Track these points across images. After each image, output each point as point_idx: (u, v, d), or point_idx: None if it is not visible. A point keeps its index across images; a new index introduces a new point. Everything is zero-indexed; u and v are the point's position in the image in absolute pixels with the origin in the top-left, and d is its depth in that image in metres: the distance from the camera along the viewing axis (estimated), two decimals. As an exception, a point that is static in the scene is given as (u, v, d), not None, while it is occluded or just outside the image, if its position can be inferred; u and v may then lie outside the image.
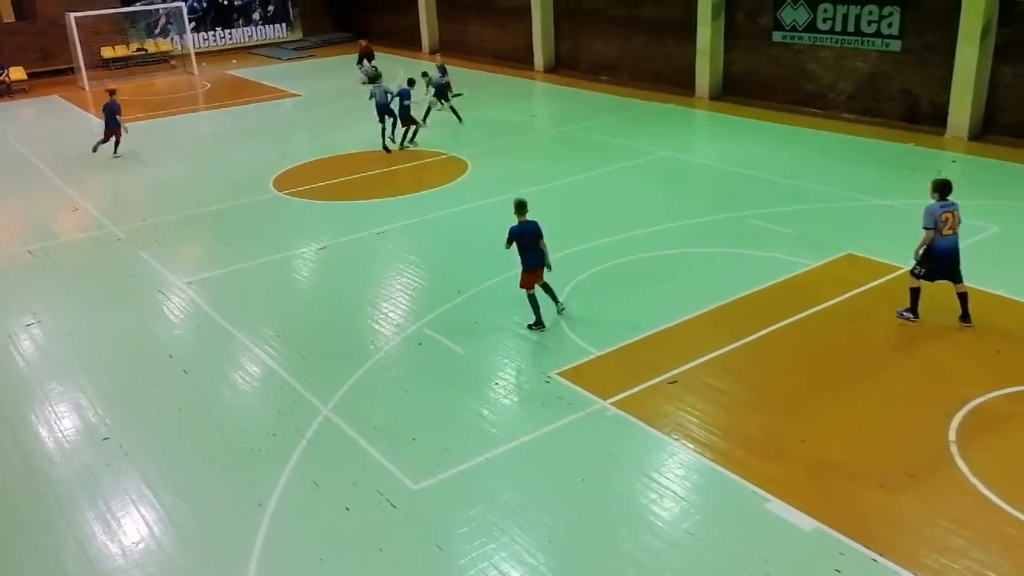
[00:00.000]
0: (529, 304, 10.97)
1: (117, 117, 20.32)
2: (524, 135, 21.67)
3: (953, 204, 10.21)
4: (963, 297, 10.54)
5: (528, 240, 10.79)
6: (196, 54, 33.47)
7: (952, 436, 8.49)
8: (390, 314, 11.97)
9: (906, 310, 10.79)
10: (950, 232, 10.30)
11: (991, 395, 9.14)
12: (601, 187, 17.12)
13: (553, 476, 8.33)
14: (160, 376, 10.59)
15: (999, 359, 9.90)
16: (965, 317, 10.60)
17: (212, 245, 15.18)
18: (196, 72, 32.64)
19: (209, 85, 30.88)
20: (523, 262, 10.86)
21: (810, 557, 7.09)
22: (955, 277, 10.43)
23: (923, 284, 10.59)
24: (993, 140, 18.66)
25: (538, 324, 10.98)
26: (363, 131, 21.56)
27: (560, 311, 11.35)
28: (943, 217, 10.13)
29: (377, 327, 11.61)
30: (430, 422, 9.30)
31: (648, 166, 18.35)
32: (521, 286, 10.95)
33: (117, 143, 20.66)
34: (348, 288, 13.03)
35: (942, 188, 10.34)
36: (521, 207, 10.87)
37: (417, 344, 11.04)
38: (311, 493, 8.24)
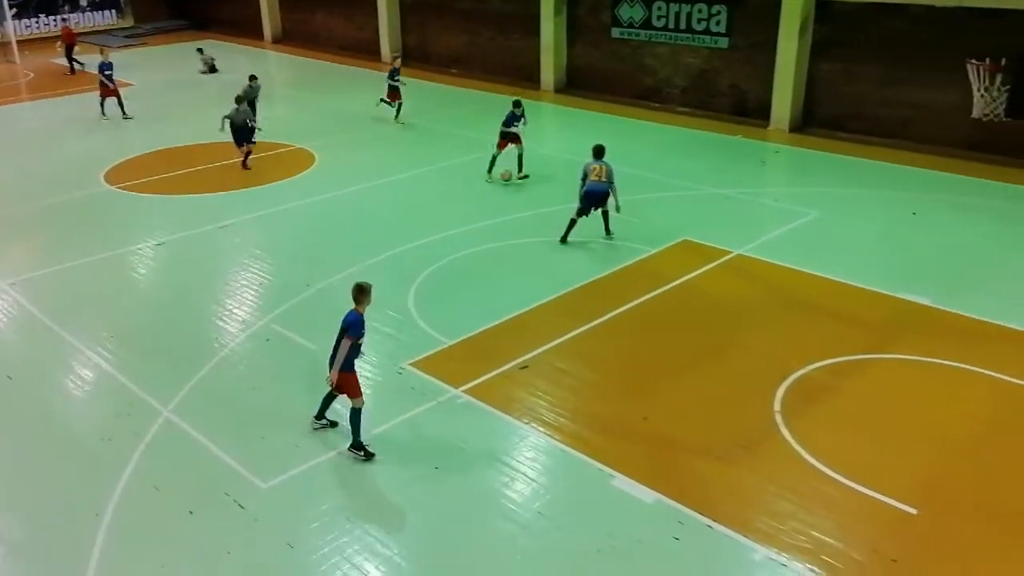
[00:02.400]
0: None
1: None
2: (371, 127, 21.41)
3: (601, 161, 13.36)
4: (605, 215, 13.67)
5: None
6: (18, 42, 31.01)
7: (777, 407, 9.15)
8: (235, 311, 11.55)
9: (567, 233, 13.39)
10: (596, 179, 13.21)
11: (810, 367, 9.90)
12: (448, 179, 17.18)
13: (406, 466, 8.33)
14: (-23, 385, 9.76)
15: (817, 334, 10.73)
16: (607, 231, 13.72)
17: (38, 243, 14.11)
18: (18, 61, 30.31)
19: (32, 75, 28.66)
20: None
21: (651, 527, 7.46)
22: (603, 206, 13.53)
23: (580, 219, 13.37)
24: (811, 132, 20.15)
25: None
26: (201, 122, 20.60)
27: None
28: (592, 168, 13.26)
29: (222, 324, 11.18)
30: (279, 419, 9.07)
31: (497, 159, 18.55)
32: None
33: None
34: (190, 285, 12.46)
35: (596, 151, 13.55)
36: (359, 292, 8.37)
37: (264, 340, 10.73)
38: (151, 498, 7.86)
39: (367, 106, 22.30)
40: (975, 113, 17.39)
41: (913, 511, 7.58)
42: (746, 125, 20.71)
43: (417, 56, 28.88)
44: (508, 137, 16.72)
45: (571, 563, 7.12)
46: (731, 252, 13.18)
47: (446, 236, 13.84)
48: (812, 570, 6.96)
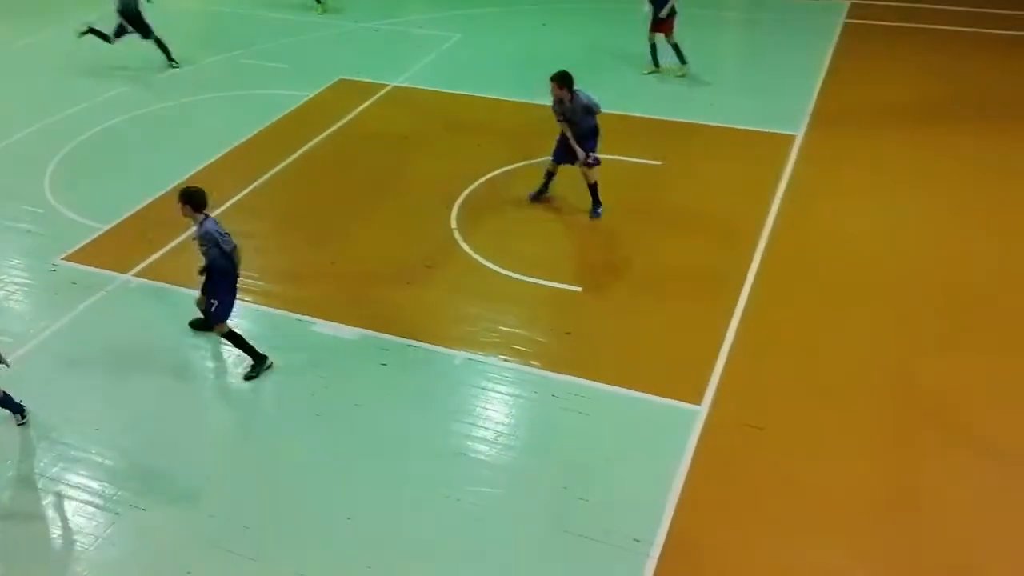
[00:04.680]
0: None
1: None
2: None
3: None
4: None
5: None
6: None
7: (454, 224, 9.66)
8: None
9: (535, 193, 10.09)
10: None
11: (477, 183, 10.48)
12: (56, 48, 14.92)
13: (87, 364, 7.71)
14: None
15: (477, 151, 11.27)
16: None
17: None
18: None
19: None
20: None
21: (359, 359, 7.74)
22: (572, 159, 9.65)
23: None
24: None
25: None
26: None
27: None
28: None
29: None
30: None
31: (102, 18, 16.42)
32: None
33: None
34: None
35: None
36: None
37: None
38: None
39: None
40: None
41: (579, 289, 8.60)
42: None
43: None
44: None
45: (290, 406, 7.23)
46: (388, 85, 13.18)
47: (73, 112, 12.23)
48: (505, 359, 7.72)
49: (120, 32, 13.58)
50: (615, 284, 8.77)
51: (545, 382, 7.46)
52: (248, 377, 7.48)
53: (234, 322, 8.21)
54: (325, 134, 11.73)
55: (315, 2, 16.47)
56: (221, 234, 7.15)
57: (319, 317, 8.23)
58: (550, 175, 9.94)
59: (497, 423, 7.07)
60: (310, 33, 15.46)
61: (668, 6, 12.74)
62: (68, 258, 9.08)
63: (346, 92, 13.02)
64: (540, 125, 11.84)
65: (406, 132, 11.84)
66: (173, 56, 13.89)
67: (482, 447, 6.80)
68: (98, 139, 11.60)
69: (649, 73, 13.37)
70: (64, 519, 6.26)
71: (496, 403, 7.29)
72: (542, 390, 7.39)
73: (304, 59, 14.24)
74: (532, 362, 7.68)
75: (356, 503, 6.32)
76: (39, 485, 6.51)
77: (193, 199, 7.11)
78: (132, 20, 13.55)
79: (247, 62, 14.14)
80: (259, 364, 7.53)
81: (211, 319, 7.47)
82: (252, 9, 16.70)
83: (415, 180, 10.68)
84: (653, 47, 13.23)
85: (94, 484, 6.51)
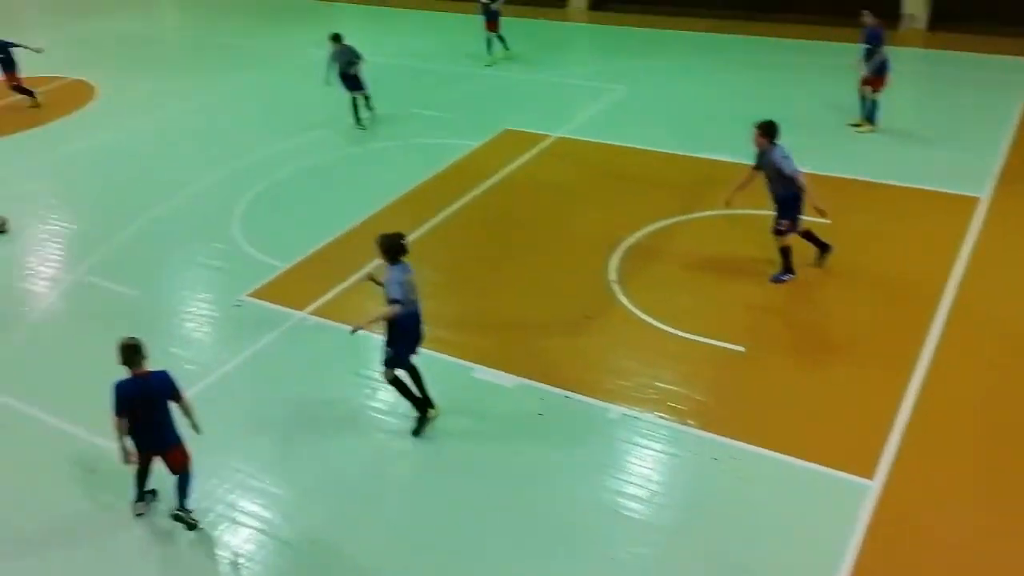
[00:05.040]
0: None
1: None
2: (153, 47, 19.76)
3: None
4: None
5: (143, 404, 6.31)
6: None
7: (613, 276, 9.65)
8: (39, 268, 10.64)
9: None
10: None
11: (638, 234, 10.46)
12: (242, 100, 16.24)
13: (264, 396, 8.18)
14: None
15: (639, 203, 11.28)
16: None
17: None
18: None
19: None
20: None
21: (516, 408, 7.82)
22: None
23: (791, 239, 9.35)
24: (608, 8, 20.52)
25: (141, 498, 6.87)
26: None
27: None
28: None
29: (26, 285, 10.28)
30: (115, 374, 8.56)
31: (303, 69, 17.71)
32: None
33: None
34: (-20, 248, 11.30)
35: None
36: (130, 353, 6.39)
37: (81, 294, 9.99)
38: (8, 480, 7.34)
39: (143, 26, 20.47)
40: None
41: (742, 349, 8.35)
42: (543, 8, 20.72)
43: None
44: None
45: (448, 452, 7.37)
46: (551, 136, 13.46)
47: (262, 157, 13.22)
48: (662, 417, 7.57)
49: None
50: (781, 345, 8.46)
51: (703, 443, 7.26)
52: (415, 433, 7.50)
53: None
54: (490, 183, 12.07)
55: (486, 53, 17.11)
56: (401, 284, 7.03)
57: (479, 363, 8.39)
58: (806, 235, 9.29)
59: (652, 481, 6.93)
60: (478, 84, 16.06)
61: (877, 61, 12.39)
62: (252, 295, 9.73)
63: (511, 142, 13.39)
64: (706, 179, 11.75)
65: (569, 183, 12.01)
66: (363, 119, 14.25)
67: (636, 505, 6.67)
68: (280, 184, 12.45)
69: (854, 125, 13.00)
70: (234, 546, 6.61)
71: (651, 461, 7.15)
72: (700, 451, 7.18)
73: (472, 110, 14.78)
74: (689, 421, 7.50)
75: (509, 554, 6.34)
76: (217, 510, 6.92)
77: (383, 247, 7.12)
78: (351, 82, 13.93)
79: (417, 112, 14.83)
80: (423, 416, 7.48)
81: (383, 363, 7.46)
82: (422, 62, 17.55)
83: (576, 231, 10.78)
84: (869, 102, 12.83)
85: (267, 514, 6.86)
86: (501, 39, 17.09)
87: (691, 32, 18.35)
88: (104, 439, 7.66)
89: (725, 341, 8.44)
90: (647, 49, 17.59)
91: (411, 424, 7.60)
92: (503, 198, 11.79)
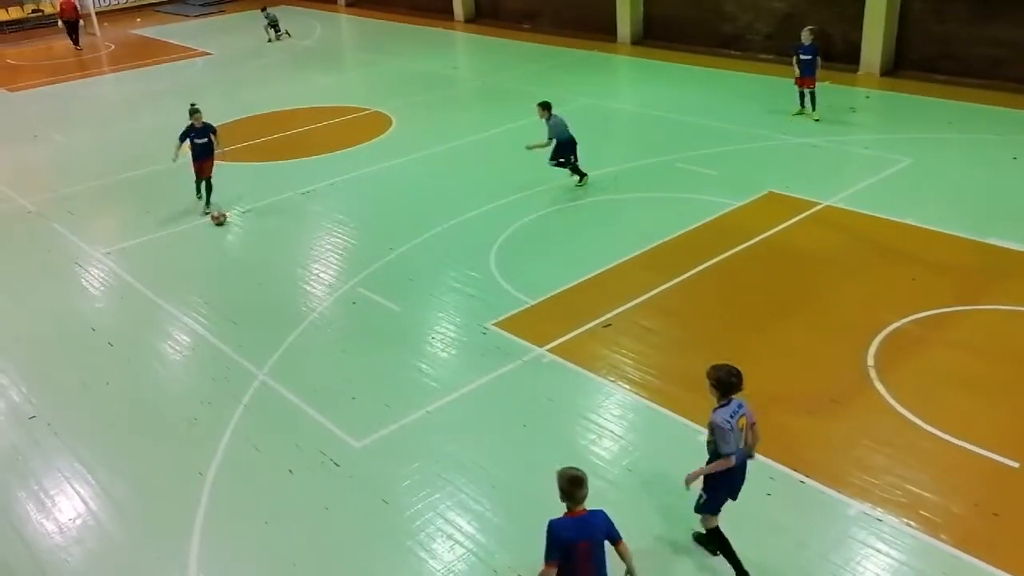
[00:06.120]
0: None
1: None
2: (447, 88, 21.41)
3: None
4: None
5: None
6: (97, 14, 31.90)
7: (871, 361, 8.89)
8: (321, 275, 11.82)
9: None
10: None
11: (905, 320, 9.57)
12: (525, 138, 17.05)
13: (494, 424, 8.45)
14: (84, 351, 10.29)
15: (913, 286, 10.34)
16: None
17: (129, 214, 14.67)
18: (98, 33, 31.11)
19: (113, 46, 29.51)
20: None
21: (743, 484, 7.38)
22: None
23: None
24: (903, 75, 19.23)
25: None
26: (279, 88, 20.95)
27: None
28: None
29: (309, 289, 11.47)
30: (369, 380, 9.29)
31: (571, 114, 18.31)
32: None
33: None
34: (276, 251, 12.79)
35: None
36: None
37: (351, 303, 10.96)
38: (252, 458, 8.19)
39: (441, 66, 22.26)
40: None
41: (1015, 464, 7.31)
42: (833, 70, 19.86)
43: (488, 12, 28.67)
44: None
45: (661, 518, 7.12)
46: (819, 203, 12.78)
47: (525, 196, 13.79)
48: (909, 524, 6.80)
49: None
50: (1067, 468, 7.31)
51: (954, 562, 6.42)
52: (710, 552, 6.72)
53: (619, 412, 8.43)
54: (745, 245, 11.67)
55: (795, 115, 16.70)
56: (733, 431, 6.06)
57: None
58: None
59: (888, 595, 6.23)
60: (746, 144, 15.67)
61: None
62: (497, 324, 10.12)
63: (774, 206, 12.88)
64: (994, 268, 10.57)
65: (833, 255, 11.30)
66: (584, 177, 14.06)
67: (866, 617, 6.03)
68: (539, 222, 12.90)
69: None
70: (448, 562, 6.82)
71: (889, 572, 6.43)
72: (949, 570, 6.35)
73: (736, 169, 14.43)
74: (941, 536, 6.67)
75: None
76: (437, 524, 7.20)
77: (714, 380, 6.29)
78: (568, 149, 13.82)
79: (680, 167, 14.74)
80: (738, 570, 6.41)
81: (697, 509, 6.55)
82: (686, 115, 17.44)
83: (833, 306, 10.10)
84: None
85: (481, 538, 7.03)
86: (813, 97, 16.51)
87: (994, 107, 16.66)
88: (341, 431, 8.28)
89: (997, 453, 7.44)
90: (942, 120, 16.21)
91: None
92: (757, 262, 11.33)
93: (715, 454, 6.23)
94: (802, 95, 16.64)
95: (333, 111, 19.68)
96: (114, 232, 13.94)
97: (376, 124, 18.48)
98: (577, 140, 13.89)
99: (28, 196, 15.46)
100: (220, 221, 13.68)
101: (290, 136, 18.16)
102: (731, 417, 6.12)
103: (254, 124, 19.19)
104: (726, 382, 6.23)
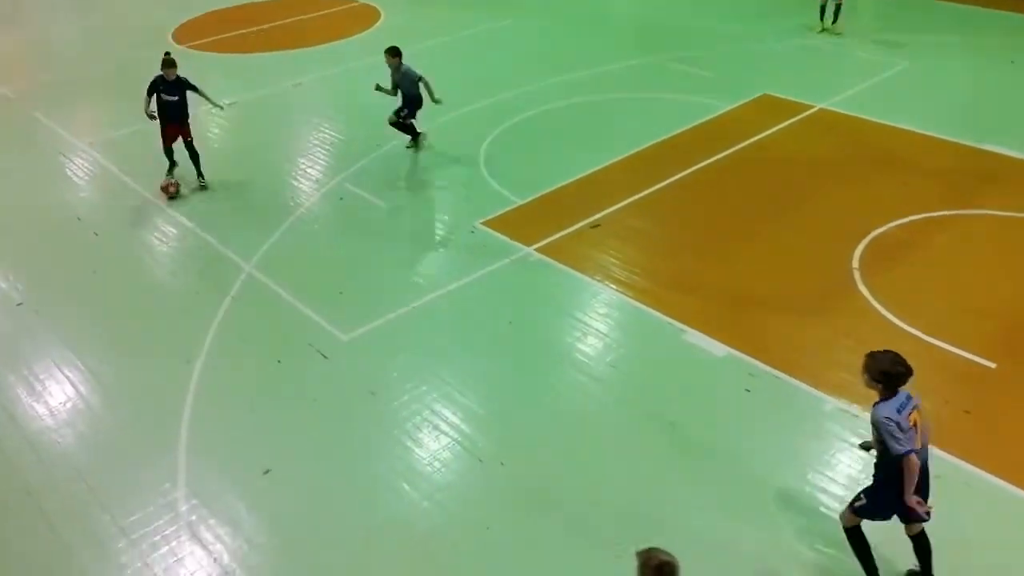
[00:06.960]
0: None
1: None
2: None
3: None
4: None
5: None
6: None
7: (855, 264, 8.96)
8: (308, 170, 11.68)
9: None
10: None
11: (892, 224, 9.60)
12: (516, 36, 16.63)
13: (480, 321, 8.52)
14: (70, 240, 10.22)
15: (901, 190, 10.33)
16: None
17: (114, 104, 14.30)
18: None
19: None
20: None
21: (722, 380, 7.54)
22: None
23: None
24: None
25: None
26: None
27: None
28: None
29: (296, 183, 11.35)
30: (356, 275, 9.31)
31: (563, 11, 17.85)
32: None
33: None
34: (263, 144, 12.59)
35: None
36: None
37: (338, 199, 10.87)
38: (240, 348, 8.26)
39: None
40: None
41: (992, 365, 7.47)
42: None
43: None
44: None
45: (643, 412, 7.29)
46: (814, 106, 12.61)
47: (513, 95, 13.53)
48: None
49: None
50: (1040, 368, 7.48)
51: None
52: None
53: (605, 311, 8.50)
54: (737, 147, 11.57)
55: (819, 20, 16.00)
56: (886, 425, 5.15)
57: (691, 326, 8.17)
58: None
59: (861, 486, 6.42)
60: (742, 44, 15.33)
61: None
62: (486, 223, 10.09)
63: (768, 108, 12.71)
64: (985, 173, 10.54)
65: (824, 158, 11.23)
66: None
67: (839, 507, 6.24)
68: (531, 121, 12.70)
69: None
70: (434, 451, 7.00)
71: (863, 464, 6.64)
72: (920, 465, 6.55)
73: (732, 70, 14.17)
74: (914, 432, 6.85)
75: (688, 515, 6.20)
76: (423, 415, 7.35)
77: (872, 372, 5.26)
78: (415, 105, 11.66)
79: (674, 66, 14.45)
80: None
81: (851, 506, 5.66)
82: (681, 16, 16.99)
83: (821, 209, 10.10)
84: None
85: (466, 428, 7.17)
86: (838, 8, 15.53)
87: (994, 11, 16.29)
88: (328, 323, 8.35)
89: (975, 353, 7.59)
90: (941, 23, 15.87)
91: None
92: (747, 164, 11.25)
93: (884, 455, 5.28)
94: (823, 8, 15.82)
95: (319, 2, 19.05)
96: (99, 122, 13.64)
97: (364, 16, 17.93)
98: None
99: (7, 84, 15.05)
100: (172, 194, 10.94)
101: (275, 28, 17.62)
102: (899, 411, 5.19)
103: (237, 15, 18.58)
104: (892, 373, 5.20)
